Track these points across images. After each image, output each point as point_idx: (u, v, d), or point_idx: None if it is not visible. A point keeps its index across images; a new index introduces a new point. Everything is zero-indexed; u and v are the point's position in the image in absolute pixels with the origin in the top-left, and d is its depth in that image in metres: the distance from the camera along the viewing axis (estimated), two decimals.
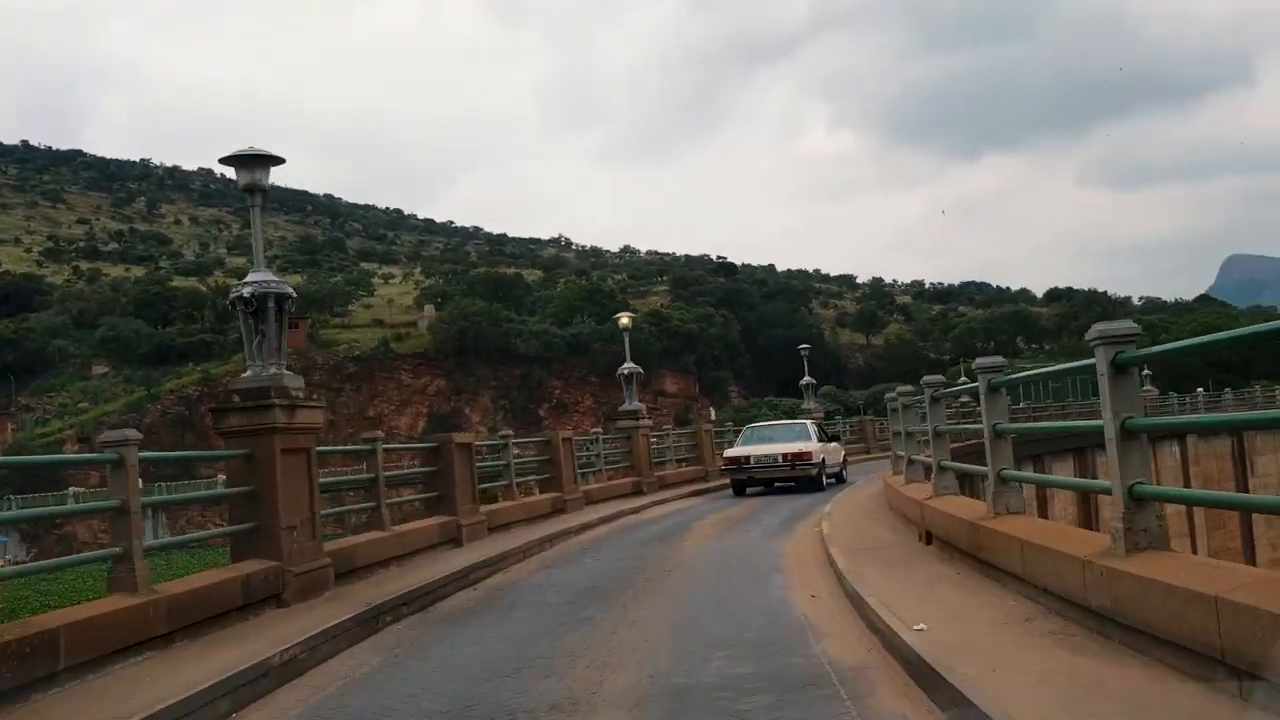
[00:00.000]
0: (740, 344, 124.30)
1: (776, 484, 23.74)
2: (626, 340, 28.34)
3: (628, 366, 27.59)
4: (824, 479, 23.53)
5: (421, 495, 15.08)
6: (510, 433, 20.17)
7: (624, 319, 29.55)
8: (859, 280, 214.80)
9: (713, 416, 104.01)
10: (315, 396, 10.80)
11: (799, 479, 23.32)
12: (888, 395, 16.38)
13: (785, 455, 23.37)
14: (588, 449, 24.15)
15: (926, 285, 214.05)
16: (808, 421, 26.74)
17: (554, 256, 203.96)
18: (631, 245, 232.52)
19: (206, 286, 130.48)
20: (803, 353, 39.74)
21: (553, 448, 20.64)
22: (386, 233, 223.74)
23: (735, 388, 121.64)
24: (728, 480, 24.87)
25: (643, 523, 19.25)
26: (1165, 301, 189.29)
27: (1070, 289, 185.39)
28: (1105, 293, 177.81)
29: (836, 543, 11.80)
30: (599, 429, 27.58)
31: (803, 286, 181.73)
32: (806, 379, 37.44)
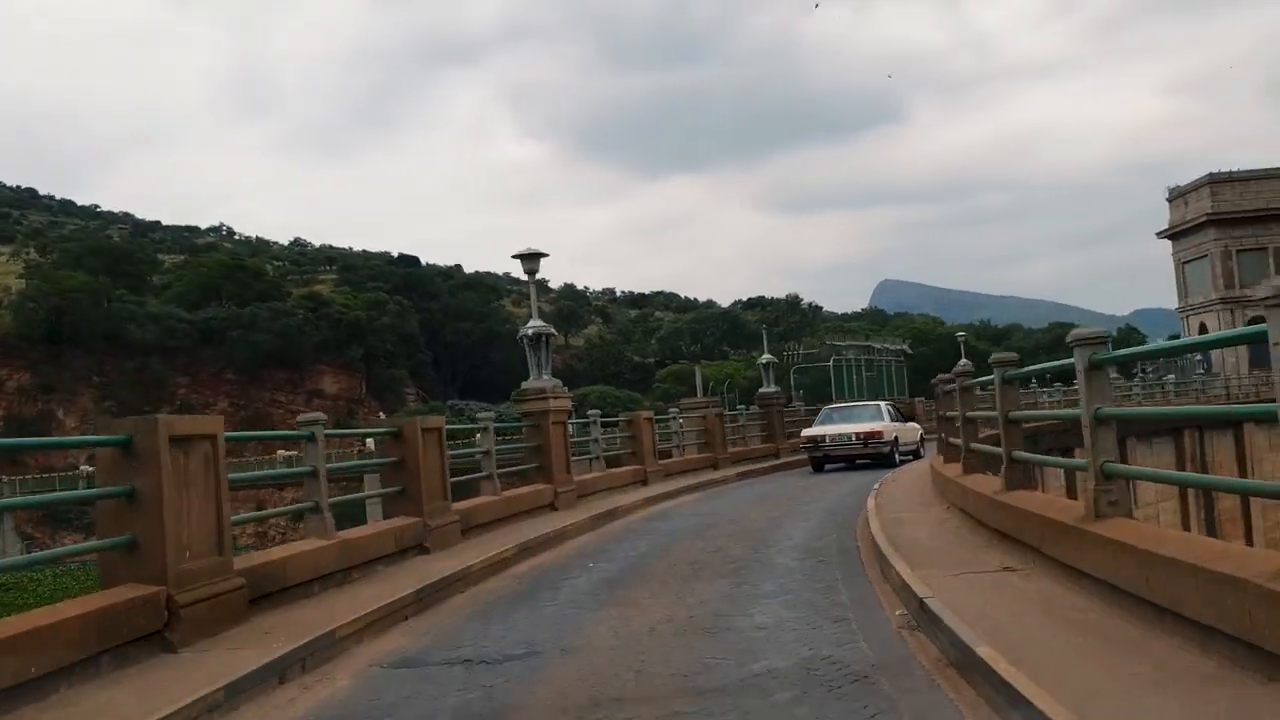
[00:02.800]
0: (420, 338, 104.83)
1: (859, 461, 24.85)
2: None
3: None
4: (896, 456, 24.56)
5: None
6: None
7: None
8: (552, 285, 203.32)
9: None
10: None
11: (872, 456, 24.54)
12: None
13: (858, 434, 24.86)
14: None
15: (619, 293, 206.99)
16: (882, 403, 28.96)
17: (210, 245, 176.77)
18: (304, 238, 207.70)
19: None
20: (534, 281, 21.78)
21: None
22: (11, 211, 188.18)
23: (412, 389, 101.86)
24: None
25: None
26: (844, 314, 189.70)
27: (763, 298, 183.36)
28: (800, 301, 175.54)
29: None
30: None
31: (494, 283, 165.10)
32: (535, 325, 18.89)
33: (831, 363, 38.34)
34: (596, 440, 20.22)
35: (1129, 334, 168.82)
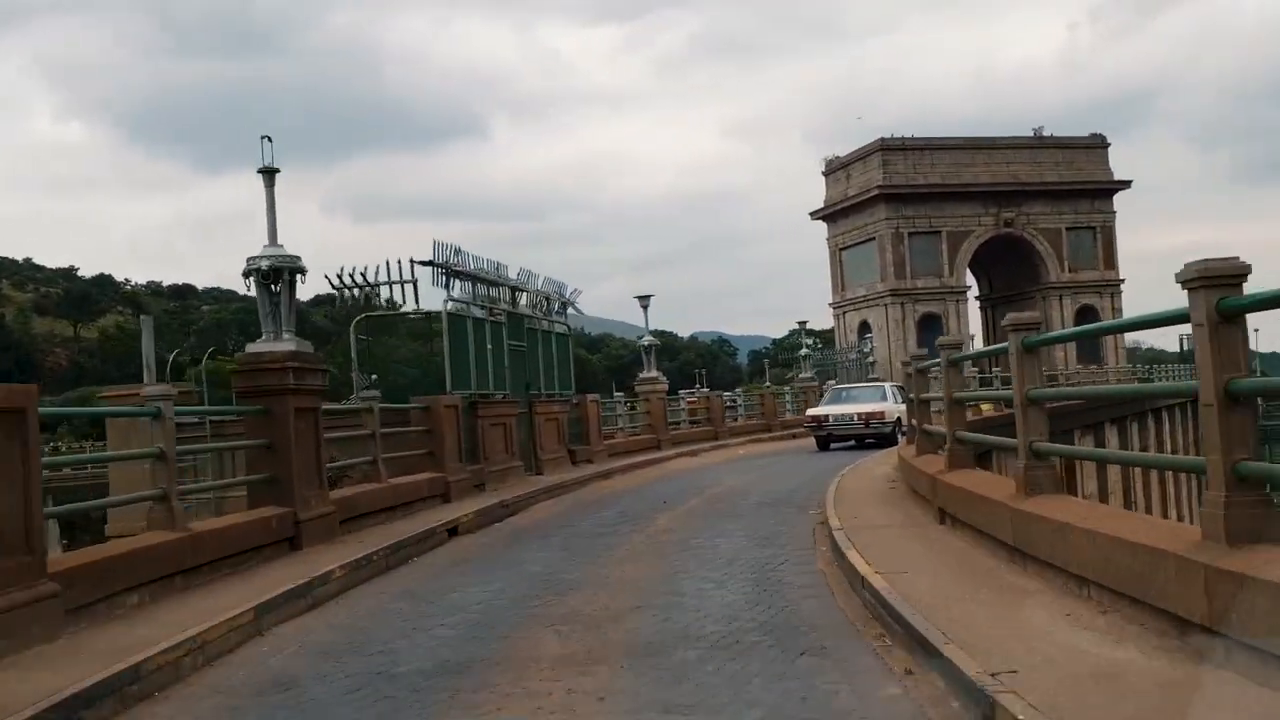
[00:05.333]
0: None
1: (868, 441, 25.15)
2: None
3: None
4: (899, 436, 23.42)
5: None
6: None
7: None
8: (82, 274, 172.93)
9: None
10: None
11: (873, 436, 25.20)
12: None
13: (860, 414, 25.82)
14: None
15: (165, 286, 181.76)
16: (887, 384, 29.19)
17: None
18: None
19: None
20: None
21: None
22: None
23: None
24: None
25: None
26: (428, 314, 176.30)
27: (334, 295, 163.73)
28: (377, 294, 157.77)
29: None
30: None
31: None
32: None
33: (448, 310, 17.65)
34: None
35: (718, 348, 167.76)
